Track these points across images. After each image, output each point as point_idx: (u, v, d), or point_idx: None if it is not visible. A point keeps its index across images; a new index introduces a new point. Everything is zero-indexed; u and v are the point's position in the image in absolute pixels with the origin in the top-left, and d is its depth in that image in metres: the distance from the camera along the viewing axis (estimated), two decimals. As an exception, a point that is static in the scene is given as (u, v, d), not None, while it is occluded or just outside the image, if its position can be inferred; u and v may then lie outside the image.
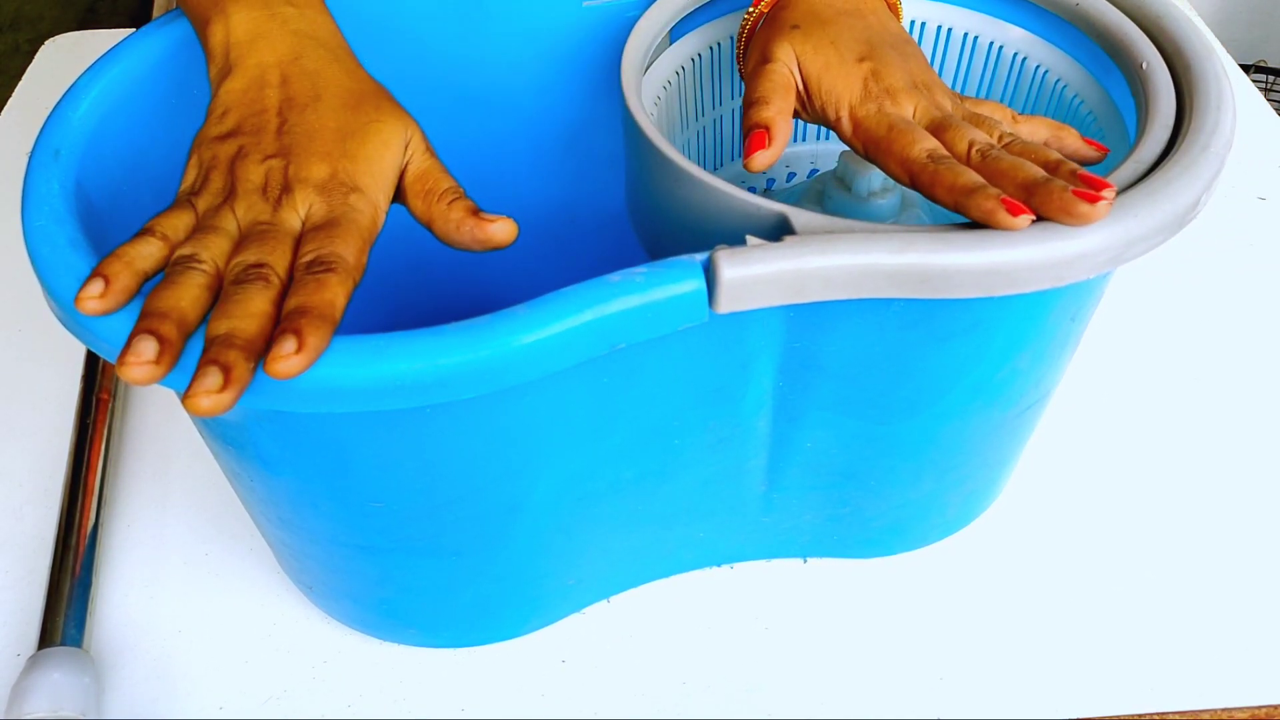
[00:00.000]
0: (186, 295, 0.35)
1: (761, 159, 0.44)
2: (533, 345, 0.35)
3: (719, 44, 0.57)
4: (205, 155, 0.40)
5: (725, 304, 0.37)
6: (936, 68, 0.58)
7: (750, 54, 0.50)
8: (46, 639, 0.54)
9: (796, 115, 0.47)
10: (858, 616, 0.57)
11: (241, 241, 0.37)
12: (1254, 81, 1.02)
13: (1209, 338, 0.71)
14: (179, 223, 0.38)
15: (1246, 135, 0.85)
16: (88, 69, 0.46)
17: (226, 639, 0.56)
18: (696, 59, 0.56)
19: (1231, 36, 1.18)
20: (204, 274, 0.35)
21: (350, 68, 0.44)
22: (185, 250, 0.36)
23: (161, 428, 0.66)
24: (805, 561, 0.59)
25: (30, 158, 0.42)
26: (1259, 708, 0.53)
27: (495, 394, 0.37)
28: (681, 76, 0.55)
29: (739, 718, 0.53)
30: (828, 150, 0.63)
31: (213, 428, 0.42)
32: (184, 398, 0.32)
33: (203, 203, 0.39)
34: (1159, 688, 0.53)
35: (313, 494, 0.44)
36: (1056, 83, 0.54)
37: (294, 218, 0.38)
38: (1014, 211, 0.38)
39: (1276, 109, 0.90)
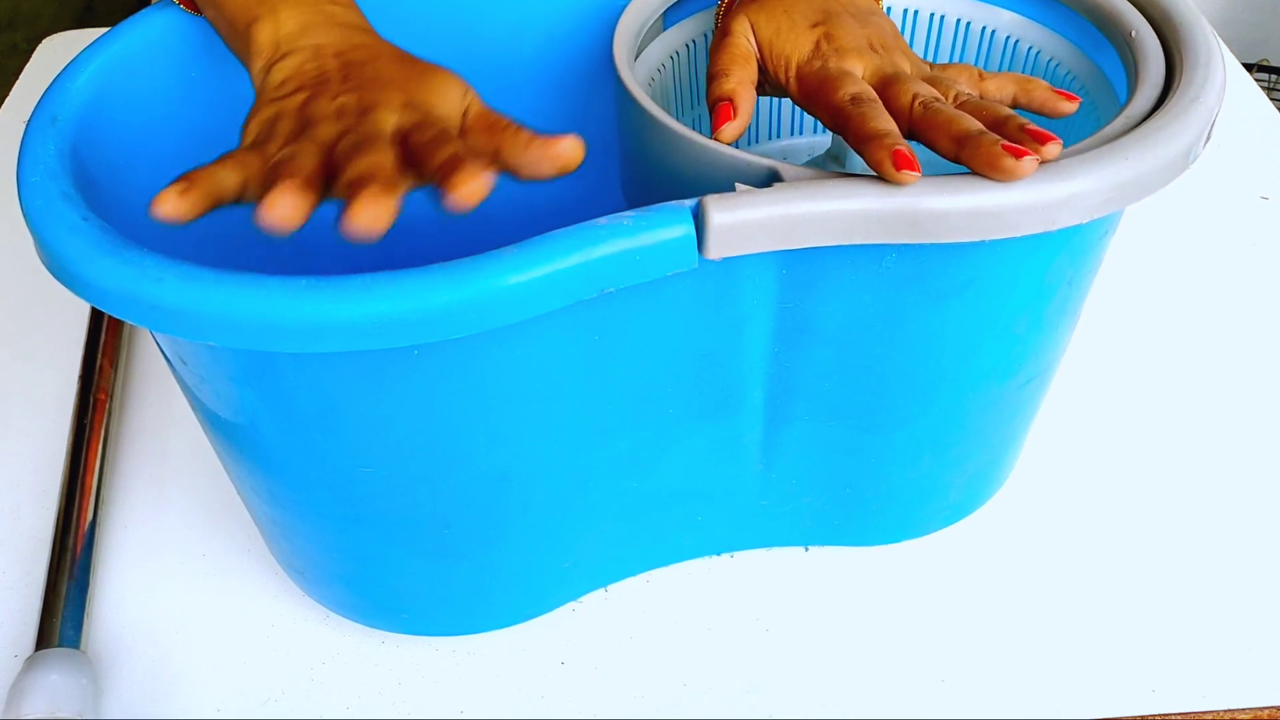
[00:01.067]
0: (303, 166, 0.34)
1: (729, 131, 0.44)
2: (520, 286, 0.35)
3: (710, 33, 0.57)
4: (267, 112, 0.39)
5: (715, 249, 0.37)
6: (930, 55, 0.59)
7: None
8: (44, 640, 0.54)
9: (762, 90, 0.48)
10: (859, 615, 0.56)
11: (338, 141, 0.36)
12: (1256, 80, 1.02)
13: (1211, 338, 0.70)
14: (248, 158, 0.37)
15: (1249, 134, 0.86)
16: (88, 45, 0.46)
17: (224, 640, 0.56)
18: (690, 45, 0.57)
19: (1234, 35, 1.19)
20: (306, 167, 0.35)
21: (398, 47, 0.45)
22: (282, 155, 0.36)
23: (159, 428, 0.66)
24: (807, 550, 0.58)
25: (28, 124, 0.42)
26: (1261, 709, 0.52)
27: (482, 342, 0.36)
28: (675, 62, 0.56)
29: (739, 718, 0.52)
30: (824, 143, 0.63)
31: (203, 398, 0.42)
32: (345, 216, 0.32)
33: (275, 144, 0.38)
34: (1160, 689, 0.53)
35: (302, 461, 0.43)
36: (1049, 62, 0.54)
37: (383, 125, 0.38)
38: (900, 165, 0.37)
39: (1279, 108, 0.90)
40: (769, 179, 0.40)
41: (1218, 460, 0.63)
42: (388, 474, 0.43)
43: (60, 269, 0.36)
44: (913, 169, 0.37)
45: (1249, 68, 1.13)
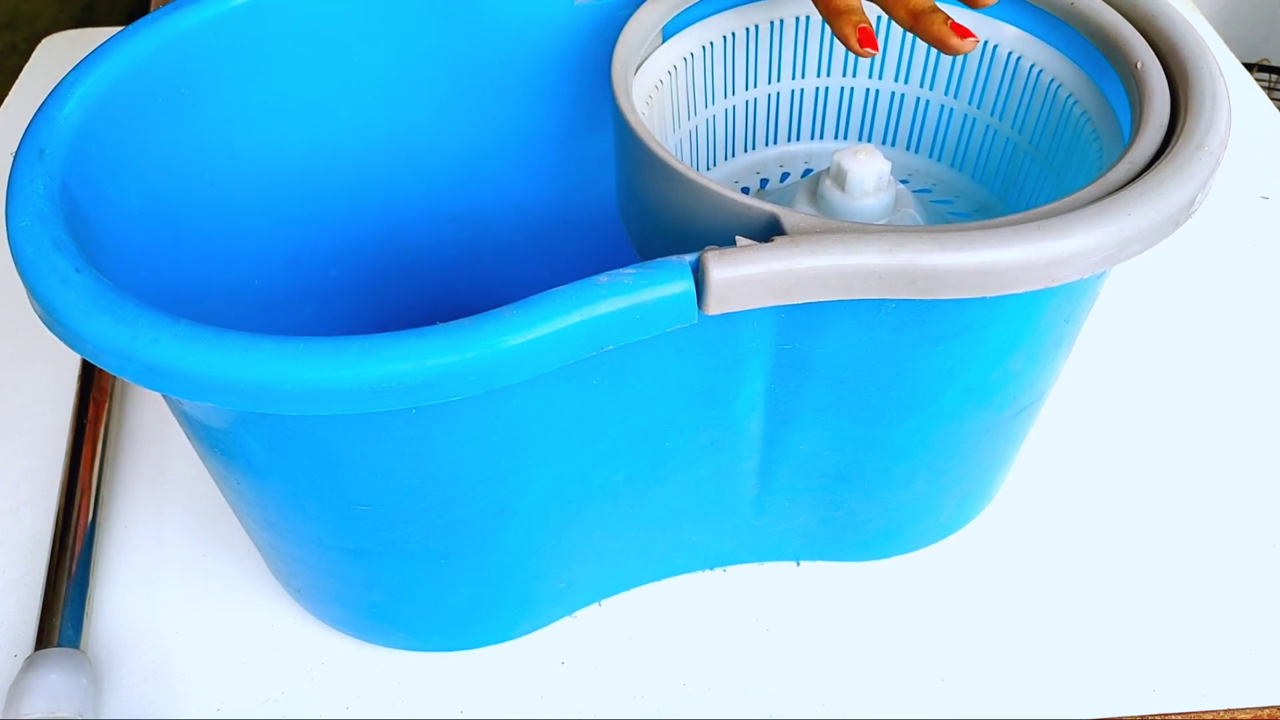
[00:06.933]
0: None
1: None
2: (519, 347, 0.35)
3: (711, 43, 0.56)
4: None
5: (714, 305, 0.37)
6: (930, 68, 0.58)
7: None
8: (43, 640, 0.54)
9: None
10: (854, 619, 0.56)
11: None
12: (1257, 80, 1.01)
13: (1210, 339, 0.70)
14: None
15: (1249, 134, 0.85)
16: (74, 68, 0.45)
17: (224, 640, 0.56)
18: (690, 57, 0.56)
19: (1235, 35, 1.17)
20: None
21: None
22: None
23: (158, 428, 0.66)
24: (799, 565, 0.59)
25: (15, 157, 0.41)
26: (1262, 708, 0.53)
27: (483, 396, 0.36)
28: (674, 75, 0.55)
29: (738, 718, 0.53)
30: (822, 150, 0.62)
31: (199, 431, 0.42)
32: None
33: None
34: (1160, 689, 0.53)
35: (299, 497, 0.43)
36: (1051, 82, 0.53)
37: None
38: (864, 41, 0.46)
39: (1279, 107, 0.89)
40: (770, 225, 0.40)
41: (1219, 460, 0.63)
42: (386, 512, 0.43)
43: (53, 322, 0.36)
44: (874, 47, 0.46)
45: (1249, 68, 1.11)
